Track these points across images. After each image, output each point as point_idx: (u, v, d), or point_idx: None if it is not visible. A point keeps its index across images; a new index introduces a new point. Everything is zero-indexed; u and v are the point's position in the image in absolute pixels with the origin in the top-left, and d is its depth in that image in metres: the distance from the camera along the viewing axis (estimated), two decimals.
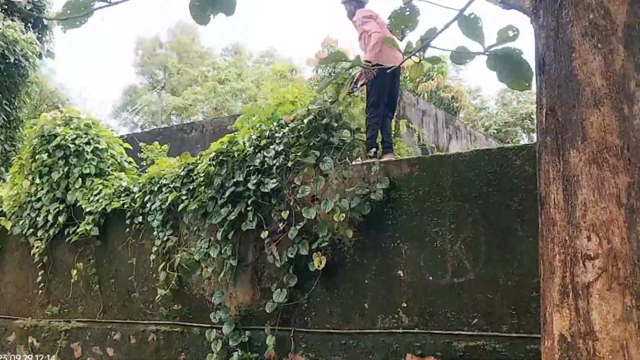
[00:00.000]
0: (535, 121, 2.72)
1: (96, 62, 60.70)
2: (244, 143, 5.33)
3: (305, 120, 5.06)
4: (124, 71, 51.60)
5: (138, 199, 5.98)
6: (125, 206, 6.08)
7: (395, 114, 6.22)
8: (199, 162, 5.57)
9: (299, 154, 4.95)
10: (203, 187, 5.34)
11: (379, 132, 5.40)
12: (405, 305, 4.50)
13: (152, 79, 38.86)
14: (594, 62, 2.42)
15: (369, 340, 4.60)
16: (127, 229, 6.12)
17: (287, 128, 5.21)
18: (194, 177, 5.54)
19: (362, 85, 5.49)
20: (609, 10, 2.43)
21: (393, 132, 5.80)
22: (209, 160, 5.39)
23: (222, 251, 5.22)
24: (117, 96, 45.69)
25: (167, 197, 5.61)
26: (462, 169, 4.45)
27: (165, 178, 5.79)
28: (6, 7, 13.58)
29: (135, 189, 6.06)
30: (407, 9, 3.61)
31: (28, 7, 14.08)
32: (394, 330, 4.51)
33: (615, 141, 2.35)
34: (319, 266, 4.74)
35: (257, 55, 38.68)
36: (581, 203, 2.39)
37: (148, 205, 5.84)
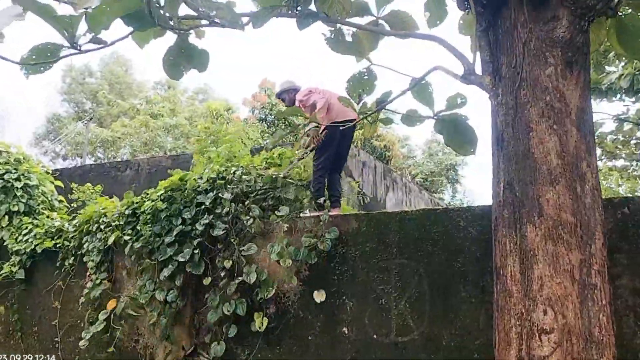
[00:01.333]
0: (492, 194, 2.82)
1: (17, 84, 57.98)
2: (198, 179, 5.23)
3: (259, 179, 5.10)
4: (48, 97, 49.41)
5: (73, 239, 5.66)
6: (58, 246, 5.73)
7: None
8: (145, 199, 5.37)
9: (252, 205, 4.93)
10: (148, 226, 5.14)
11: (326, 187, 5.45)
12: None
13: (78, 108, 37.53)
14: (549, 142, 2.56)
15: None
16: (56, 272, 5.77)
17: (242, 176, 5.19)
18: (139, 216, 5.32)
19: (312, 149, 5.52)
20: (564, 94, 2.60)
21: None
22: (157, 196, 5.22)
23: (168, 293, 4.99)
24: (39, 123, 43.75)
25: (108, 237, 5.34)
26: (409, 227, 4.53)
27: (106, 216, 5.53)
28: None
29: (71, 228, 5.74)
30: (366, 74, 3.74)
31: None
32: None
33: (570, 218, 2.48)
34: (260, 328, 4.65)
35: (191, 92, 38.38)
36: (537, 277, 2.48)
37: (85, 245, 5.54)
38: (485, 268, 4.04)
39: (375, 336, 4.43)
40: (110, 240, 5.32)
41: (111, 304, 5.27)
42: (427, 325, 4.30)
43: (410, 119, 3.84)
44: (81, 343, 5.30)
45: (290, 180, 5.20)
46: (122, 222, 5.38)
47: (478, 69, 2.95)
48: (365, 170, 9.19)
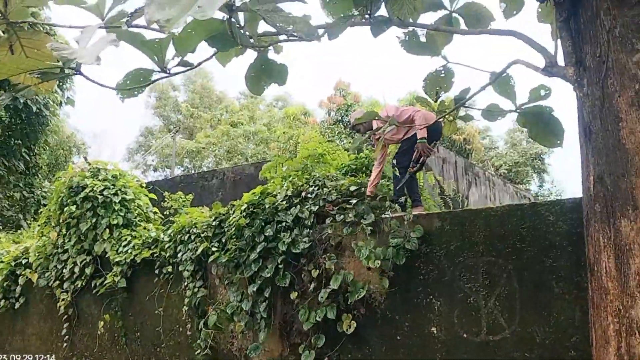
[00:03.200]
0: (582, 188, 2.74)
1: (109, 103, 61.78)
2: (276, 196, 5.39)
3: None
4: (137, 113, 52.39)
5: (168, 249, 6.00)
6: (155, 256, 6.09)
7: None
8: (230, 212, 5.60)
9: (336, 210, 5.03)
10: (234, 239, 5.36)
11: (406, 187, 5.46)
12: None
13: (166, 121, 39.45)
14: None
15: None
16: (155, 279, 6.13)
17: (322, 186, 5.30)
18: (225, 229, 5.56)
19: (422, 163, 5.51)
20: None
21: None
22: (240, 212, 5.43)
23: (254, 305, 5.19)
24: (131, 139, 46.36)
25: (198, 247, 5.62)
26: (494, 224, 4.45)
27: (196, 227, 5.82)
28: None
29: (166, 238, 6.08)
30: (442, 71, 3.71)
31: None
32: None
33: None
34: (347, 330, 4.73)
35: (271, 99, 39.25)
36: (635, 272, 2.38)
37: (179, 255, 5.85)
38: (579, 263, 3.89)
39: (465, 335, 4.38)
40: (199, 251, 5.58)
41: (211, 316, 5.53)
42: (519, 324, 4.21)
43: (492, 113, 3.76)
44: (196, 354, 5.59)
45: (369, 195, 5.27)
46: (210, 234, 5.64)
47: (560, 60, 2.86)
48: (446, 166, 9.05)
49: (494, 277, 4.37)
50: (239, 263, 5.31)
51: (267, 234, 5.19)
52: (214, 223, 5.67)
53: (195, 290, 5.65)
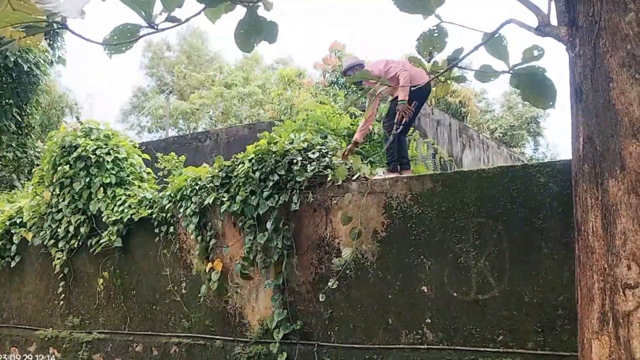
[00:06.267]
0: (571, 149, 2.75)
1: (102, 63, 60.94)
2: (288, 143, 5.46)
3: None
4: (131, 74, 51.59)
5: (168, 207, 6.02)
6: (154, 215, 6.12)
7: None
8: (236, 164, 5.61)
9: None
10: (243, 188, 5.39)
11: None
12: (429, 321, 4.54)
13: (160, 81, 39.00)
14: (631, 92, 2.45)
15: (393, 356, 4.63)
16: (151, 239, 6.19)
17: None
18: (233, 180, 5.57)
19: (404, 124, 5.50)
20: None
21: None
22: (248, 160, 5.46)
23: (271, 238, 5.25)
24: (125, 100, 45.95)
25: (204, 199, 5.65)
26: (486, 185, 4.48)
27: (201, 180, 5.81)
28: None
29: (165, 197, 6.11)
30: (436, 31, 3.66)
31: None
32: (418, 346, 4.54)
33: None
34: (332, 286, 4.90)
35: (271, 61, 38.68)
36: (620, 232, 2.42)
37: (182, 210, 5.88)
38: (569, 224, 3.93)
39: (455, 294, 4.47)
40: (209, 200, 5.56)
41: (217, 264, 5.59)
42: (508, 283, 4.28)
43: (484, 74, 3.73)
44: (200, 295, 5.66)
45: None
46: (217, 184, 5.62)
47: (553, 20, 2.83)
48: (440, 128, 9.05)
49: (484, 238, 4.42)
50: (250, 204, 5.35)
51: (279, 172, 5.23)
52: (220, 174, 5.67)
53: (207, 238, 5.68)
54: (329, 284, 4.93)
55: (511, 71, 3.46)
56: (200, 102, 32.55)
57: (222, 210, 5.54)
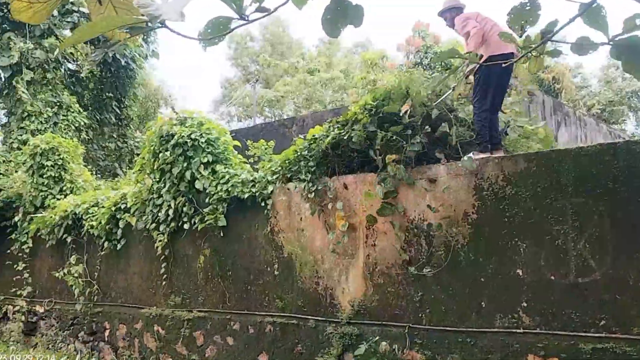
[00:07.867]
0: None
1: (192, 57, 63.38)
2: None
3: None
4: (219, 65, 53.37)
5: (269, 183, 6.26)
6: (257, 194, 6.34)
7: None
8: (351, 118, 5.73)
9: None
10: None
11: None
12: (525, 305, 4.41)
13: (245, 71, 40.00)
14: None
15: (487, 340, 4.55)
16: (253, 219, 6.44)
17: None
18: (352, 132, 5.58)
19: (467, 76, 5.39)
20: None
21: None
22: (363, 109, 5.60)
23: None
24: (214, 91, 47.49)
25: (319, 157, 5.84)
26: (585, 164, 4.27)
27: (315, 142, 5.97)
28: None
29: (269, 172, 6.35)
30: (528, 4, 3.51)
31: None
32: (513, 330, 4.43)
33: None
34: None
35: (351, 45, 38.60)
36: None
37: (291, 183, 6.12)
38: None
39: (552, 277, 4.31)
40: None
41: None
42: (610, 266, 4.08)
43: (582, 47, 3.51)
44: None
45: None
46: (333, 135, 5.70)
47: None
48: (532, 106, 8.64)
49: (584, 219, 4.23)
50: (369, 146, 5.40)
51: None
52: (334, 132, 5.74)
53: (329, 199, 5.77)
54: (424, 270, 4.90)
55: (611, 42, 3.27)
56: (284, 89, 33.10)
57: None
